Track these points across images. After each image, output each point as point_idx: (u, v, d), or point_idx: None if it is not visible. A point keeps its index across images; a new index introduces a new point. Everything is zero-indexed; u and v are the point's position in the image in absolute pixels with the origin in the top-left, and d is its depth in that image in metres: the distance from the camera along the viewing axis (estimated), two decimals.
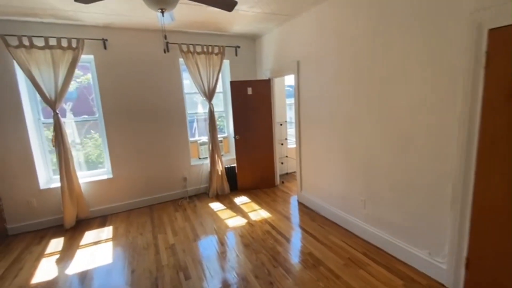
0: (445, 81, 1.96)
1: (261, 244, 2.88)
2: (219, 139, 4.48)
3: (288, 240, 2.96)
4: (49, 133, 3.57)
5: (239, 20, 3.58)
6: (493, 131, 1.73)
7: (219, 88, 4.64)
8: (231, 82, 4.33)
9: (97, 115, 3.86)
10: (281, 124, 5.21)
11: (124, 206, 4.00)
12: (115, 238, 3.20)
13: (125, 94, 3.81)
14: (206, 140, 4.47)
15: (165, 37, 3.70)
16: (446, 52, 1.93)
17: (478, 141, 1.80)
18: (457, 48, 1.86)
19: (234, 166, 4.62)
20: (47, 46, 3.18)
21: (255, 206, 3.94)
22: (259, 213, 3.67)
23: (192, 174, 4.45)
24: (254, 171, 4.59)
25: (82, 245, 3.06)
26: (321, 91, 3.26)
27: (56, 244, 3.12)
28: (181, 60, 4.11)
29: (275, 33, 4.10)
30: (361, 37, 2.61)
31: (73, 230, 3.44)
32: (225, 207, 3.95)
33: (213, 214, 3.74)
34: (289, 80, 5.31)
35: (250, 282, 2.30)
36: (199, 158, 4.61)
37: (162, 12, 1.98)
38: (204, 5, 2.45)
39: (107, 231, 3.37)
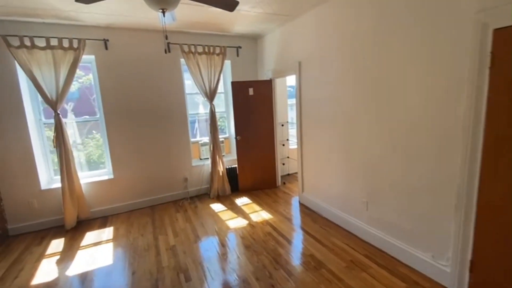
0: (448, 82, 1.93)
1: (262, 246, 2.86)
2: (220, 139, 4.46)
3: (289, 241, 2.94)
4: (51, 134, 3.57)
5: (241, 20, 3.57)
6: (498, 132, 1.70)
7: (220, 88, 4.62)
8: (233, 83, 4.32)
9: (98, 116, 3.86)
10: (282, 125, 5.19)
11: (125, 206, 3.99)
12: (115, 239, 3.19)
13: (126, 95, 3.80)
14: (207, 141, 4.46)
15: (166, 38, 3.69)
16: (449, 52, 1.90)
17: (483, 142, 1.78)
18: (460, 48, 1.83)
19: (235, 167, 4.60)
20: (48, 47, 3.18)
21: (256, 207, 3.92)
22: (260, 214, 3.65)
23: (193, 174, 4.44)
24: (255, 172, 4.58)
25: (82, 246, 3.05)
26: (323, 92, 3.25)
27: (56, 245, 3.12)
28: (182, 60, 4.10)
29: (277, 33, 4.08)
30: (363, 38, 2.59)
31: (73, 231, 3.43)
32: (226, 208, 3.94)
33: (214, 215, 3.73)
34: (291, 80, 5.30)
35: (251, 284, 2.28)
36: (200, 159, 4.59)
37: (163, 13, 1.97)
38: (205, 5, 2.45)
39: (107, 232, 3.37)
